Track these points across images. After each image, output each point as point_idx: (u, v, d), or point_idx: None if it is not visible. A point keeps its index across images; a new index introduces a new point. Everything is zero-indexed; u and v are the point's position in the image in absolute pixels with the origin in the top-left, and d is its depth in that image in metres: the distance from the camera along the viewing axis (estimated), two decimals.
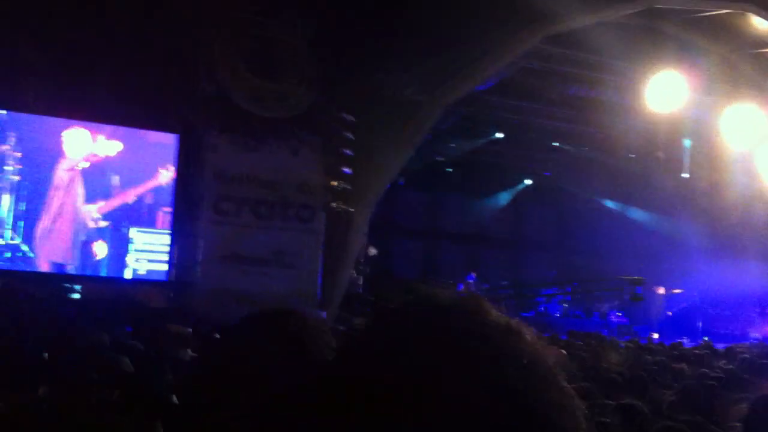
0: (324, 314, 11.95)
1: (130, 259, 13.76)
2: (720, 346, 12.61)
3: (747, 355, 9.94)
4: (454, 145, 20.53)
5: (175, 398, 3.40)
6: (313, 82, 14.28)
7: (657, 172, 21.79)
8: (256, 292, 12.21)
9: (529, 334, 0.82)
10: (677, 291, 21.94)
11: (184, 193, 13.88)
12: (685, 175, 21.03)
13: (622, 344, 11.49)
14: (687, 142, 20.08)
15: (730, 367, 8.37)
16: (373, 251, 16.68)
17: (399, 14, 17.47)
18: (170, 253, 13.75)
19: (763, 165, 19.18)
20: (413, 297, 0.85)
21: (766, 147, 18.82)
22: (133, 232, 13.81)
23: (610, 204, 24.61)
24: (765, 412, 2.19)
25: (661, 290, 21.24)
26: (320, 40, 14.24)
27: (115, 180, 13.72)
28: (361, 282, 15.58)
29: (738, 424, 3.67)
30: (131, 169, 13.87)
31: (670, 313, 21.38)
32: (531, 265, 24.18)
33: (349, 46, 14.82)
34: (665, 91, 17.24)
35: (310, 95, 14.24)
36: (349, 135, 14.54)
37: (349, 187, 14.26)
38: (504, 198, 24.04)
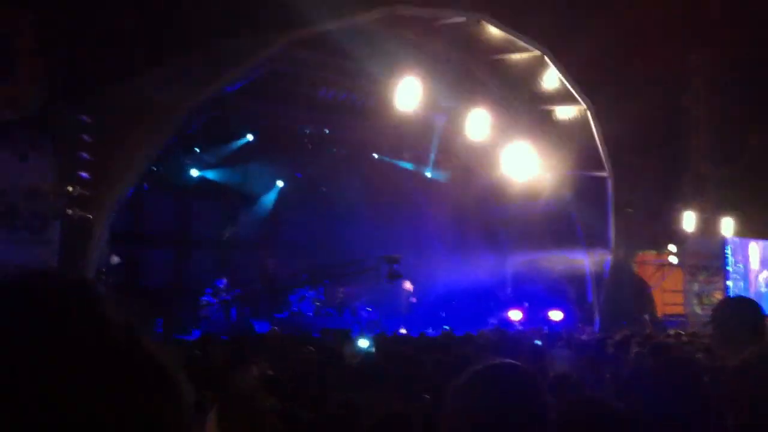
0: None
1: None
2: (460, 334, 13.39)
3: (482, 341, 10.64)
4: (201, 148, 19.97)
5: None
6: (45, 82, 13.16)
7: (405, 172, 22.83)
8: None
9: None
10: (422, 285, 23.09)
11: None
12: (428, 174, 22.22)
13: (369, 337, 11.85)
14: (432, 143, 21.22)
15: (466, 352, 8.85)
16: (116, 260, 15.70)
17: (144, 12, 16.69)
18: None
19: (497, 163, 20.74)
20: None
21: (501, 147, 20.37)
22: None
23: (361, 204, 25.30)
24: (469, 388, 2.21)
25: (408, 285, 22.24)
26: (56, 37, 13.17)
27: None
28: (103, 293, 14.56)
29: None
30: None
31: (414, 303, 22.44)
32: (286, 266, 24.17)
33: (89, 44, 13.88)
34: (409, 96, 18.03)
35: (42, 95, 13.10)
36: (87, 137, 13.55)
37: (86, 192, 13.29)
38: (257, 201, 23.78)
